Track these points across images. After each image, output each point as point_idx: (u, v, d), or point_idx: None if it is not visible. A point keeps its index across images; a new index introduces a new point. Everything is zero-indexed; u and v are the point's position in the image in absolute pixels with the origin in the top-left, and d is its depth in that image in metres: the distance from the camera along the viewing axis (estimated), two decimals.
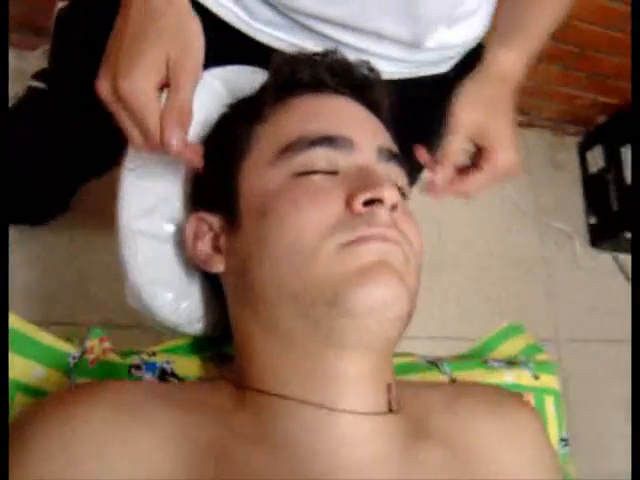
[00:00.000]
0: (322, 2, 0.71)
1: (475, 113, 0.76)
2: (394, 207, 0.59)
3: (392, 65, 0.82)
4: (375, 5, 0.72)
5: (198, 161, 0.63)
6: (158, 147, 0.61)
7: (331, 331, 0.56)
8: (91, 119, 0.95)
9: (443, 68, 0.88)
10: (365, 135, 0.65)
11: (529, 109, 2.35)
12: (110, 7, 0.81)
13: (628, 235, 2.25)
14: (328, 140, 0.62)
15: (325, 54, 0.69)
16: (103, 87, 0.60)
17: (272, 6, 0.73)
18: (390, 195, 0.58)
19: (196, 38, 0.62)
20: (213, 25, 0.75)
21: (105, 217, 1.75)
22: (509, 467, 0.64)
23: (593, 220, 2.39)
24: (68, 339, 0.69)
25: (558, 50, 2.00)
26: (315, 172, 0.61)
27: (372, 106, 0.70)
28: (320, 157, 0.62)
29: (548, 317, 2.20)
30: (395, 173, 0.65)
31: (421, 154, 0.75)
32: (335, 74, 0.68)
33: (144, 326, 1.74)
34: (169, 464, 0.53)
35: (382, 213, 0.58)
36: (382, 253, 0.57)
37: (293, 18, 0.74)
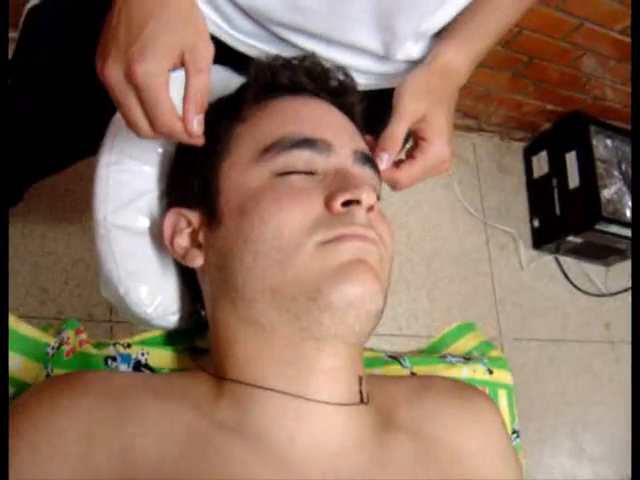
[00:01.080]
0: (300, 16, 0.73)
1: (420, 102, 0.75)
2: (371, 208, 0.62)
3: (362, 77, 0.84)
4: (350, 18, 0.74)
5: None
6: (167, 132, 0.61)
7: (311, 324, 0.59)
8: (54, 115, 0.96)
9: None
10: (342, 138, 0.67)
11: (478, 114, 2.42)
12: (81, 7, 0.82)
13: (569, 238, 2.34)
14: (309, 143, 0.64)
15: (303, 59, 0.72)
16: (113, 72, 0.59)
17: (252, 18, 0.75)
18: (368, 197, 0.61)
19: (205, 23, 0.63)
20: None
21: (59, 208, 1.74)
22: (474, 455, 0.68)
23: (536, 223, 2.47)
24: (44, 329, 0.70)
25: (508, 58, 2.07)
26: (295, 172, 0.64)
27: (347, 110, 0.73)
28: (300, 159, 0.64)
29: (492, 316, 2.27)
30: (370, 176, 0.68)
31: (367, 139, 0.75)
32: (313, 78, 0.71)
33: (95, 320, 1.74)
34: (154, 451, 0.55)
35: (360, 214, 0.61)
36: (360, 252, 0.60)
37: (271, 30, 0.76)
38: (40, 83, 0.95)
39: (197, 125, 0.61)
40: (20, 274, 1.65)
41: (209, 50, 0.62)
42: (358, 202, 0.61)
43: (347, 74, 0.74)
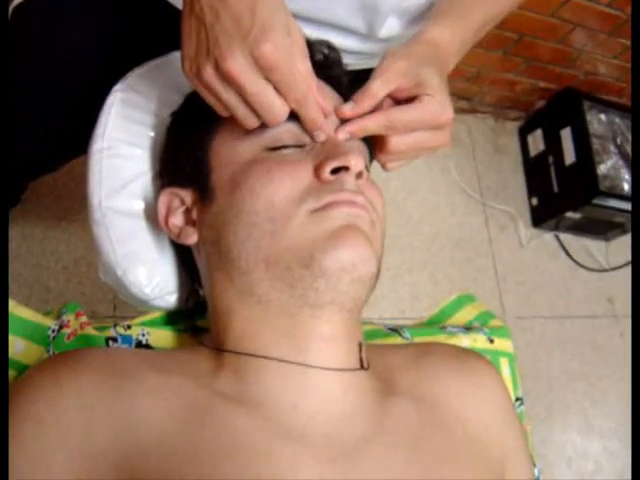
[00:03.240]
0: None
1: (402, 61, 0.67)
2: (360, 175, 0.63)
3: (347, 57, 0.84)
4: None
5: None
6: (302, 102, 0.60)
7: (306, 292, 0.60)
8: (45, 113, 0.96)
9: None
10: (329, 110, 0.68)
11: (471, 95, 2.42)
12: (68, 5, 0.82)
13: (568, 214, 2.34)
14: (295, 116, 0.65)
15: None
16: (237, 62, 0.56)
17: None
18: (356, 163, 0.61)
19: None
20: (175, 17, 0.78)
21: (58, 208, 1.75)
22: (476, 417, 0.69)
23: (535, 201, 2.48)
24: (46, 313, 0.71)
25: (497, 37, 2.07)
26: (284, 147, 0.64)
27: (334, 83, 0.73)
28: (287, 132, 0.65)
29: (495, 296, 2.27)
30: (357, 146, 0.69)
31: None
32: None
33: (99, 316, 1.74)
34: (155, 422, 0.56)
35: (349, 180, 0.62)
36: (351, 217, 0.61)
37: None
38: (29, 81, 0.95)
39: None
40: (22, 275, 1.66)
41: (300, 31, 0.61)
42: (347, 169, 0.62)
43: (332, 47, 0.74)
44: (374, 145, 0.68)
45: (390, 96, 0.66)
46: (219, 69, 0.57)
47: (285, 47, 0.56)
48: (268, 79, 0.58)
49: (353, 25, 0.78)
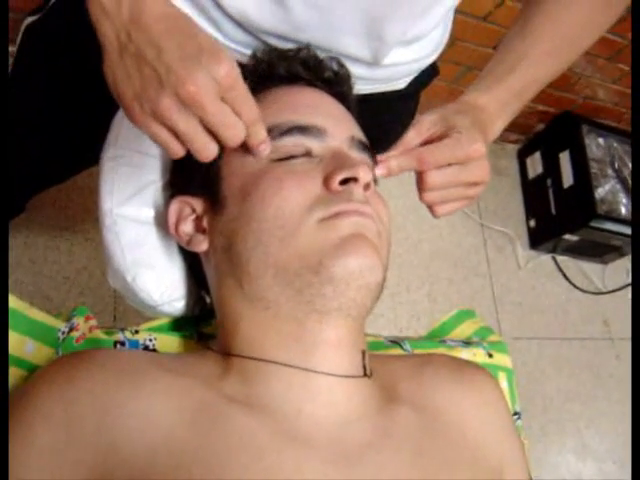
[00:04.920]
0: (290, 27, 0.75)
1: (437, 113, 0.73)
2: (367, 186, 0.64)
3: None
4: (340, 29, 0.76)
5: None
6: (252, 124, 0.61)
7: (314, 298, 0.61)
8: (53, 128, 0.98)
9: (402, 84, 0.92)
10: (337, 124, 0.70)
11: None
12: (79, 28, 0.84)
13: (566, 237, 2.36)
14: (300, 129, 0.67)
15: (298, 50, 0.74)
16: (197, 83, 0.56)
17: (244, 28, 0.77)
18: (364, 174, 0.63)
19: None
20: None
21: (61, 218, 1.76)
22: (475, 426, 0.70)
23: (533, 223, 2.50)
24: (56, 316, 0.73)
25: None
26: (292, 157, 0.66)
27: (343, 98, 0.75)
28: (294, 144, 0.67)
29: (492, 316, 2.29)
30: (366, 160, 0.70)
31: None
32: (308, 68, 0.73)
33: (100, 327, 1.75)
34: (166, 420, 0.57)
35: (357, 191, 0.64)
36: (358, 226, 0.62)
37: (261, 38, 0.78)
38: (39, 98, 0.97)
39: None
40: (24, 283, 1.67)
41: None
42: (355, 180, 0.63)
43: (341, 64, 0.76)
44: (417, 186, 0.72)
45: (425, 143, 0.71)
46: (179, 95, 0.56)
47: (236, 67, 0.58)
48: (224, 98, 0.58)
49: (359, 55, 0.80)
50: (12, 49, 1.02)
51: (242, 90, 0.59)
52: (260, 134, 0.63)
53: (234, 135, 0.60)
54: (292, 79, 0.73)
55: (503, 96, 0.79)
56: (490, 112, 0.77)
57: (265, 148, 0.65)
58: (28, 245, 1.70)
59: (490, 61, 0.82)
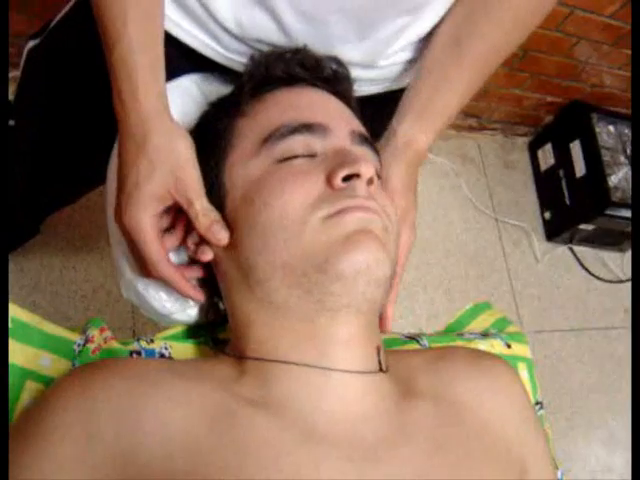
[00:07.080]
0: (286, 37, 0.76)
1: (404, 200, 0.77)
2: (370, 181, 0.64)
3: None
4: (333, 36, 0.77)
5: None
6: (152, 274, 0.69)
7: (323, 296, 0.61)
8: (60, 151, 0.99)
9: (401, 84, 0.91)
10: (338, 121, 0.70)
11: (479, 113, 2.44)
12: (79, 50, 0.85)
13: (582, 226, 2.35)
14: (306, 127, 0.67)
15: (296, 51, 0.75)
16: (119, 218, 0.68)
17: (241, 39, 0.78)
18: (367, 170, 0.63)
19: (188, 146, 0.69)
20: (186, 54, 0.80)
21: (76, 237, 1.77)
22: (495, 418, 0.70)
23: (548, 215, 2.49)
24: (72, 329, 0.73)
25: None
26: (295, 157, 0.66)
27: (342, 96, 0.75)
28: (299, 143, 0.67)
29: (512, 310, 2.28)
30: (369, 154, 0.71)
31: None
32: (307, 68, 0.74)
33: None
34: (185, 426, 0.57)
35: (360, 186, 0.63)
36: (363, 222, 0.62)
37: (257, 48, 0.79)
38: (44, 121, 0.98)
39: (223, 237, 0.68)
40: (42, 305, 1.68)
41: (194, 178, 0.68)
42: (358, 176, 0.63)
43: (340, 63, 0.77)
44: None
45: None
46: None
47: (137, 222, 0.67)
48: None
49: (354, 59, 0.81)
50: (16, 73, 1.03)
51: (139, 240, 0.68)
52: (224, 235, 0.68)
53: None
54: (291, 80, 0.74)
55: (438, 127, 0.81)
56: (425, 155, 0.81)
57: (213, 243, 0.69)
58: (44, 266, 1.71)
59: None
